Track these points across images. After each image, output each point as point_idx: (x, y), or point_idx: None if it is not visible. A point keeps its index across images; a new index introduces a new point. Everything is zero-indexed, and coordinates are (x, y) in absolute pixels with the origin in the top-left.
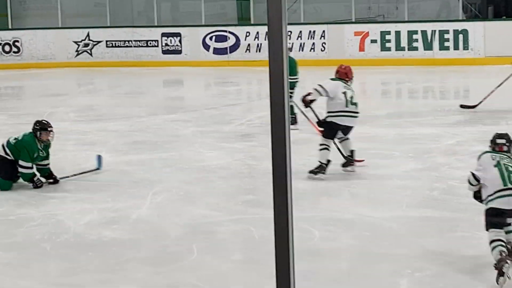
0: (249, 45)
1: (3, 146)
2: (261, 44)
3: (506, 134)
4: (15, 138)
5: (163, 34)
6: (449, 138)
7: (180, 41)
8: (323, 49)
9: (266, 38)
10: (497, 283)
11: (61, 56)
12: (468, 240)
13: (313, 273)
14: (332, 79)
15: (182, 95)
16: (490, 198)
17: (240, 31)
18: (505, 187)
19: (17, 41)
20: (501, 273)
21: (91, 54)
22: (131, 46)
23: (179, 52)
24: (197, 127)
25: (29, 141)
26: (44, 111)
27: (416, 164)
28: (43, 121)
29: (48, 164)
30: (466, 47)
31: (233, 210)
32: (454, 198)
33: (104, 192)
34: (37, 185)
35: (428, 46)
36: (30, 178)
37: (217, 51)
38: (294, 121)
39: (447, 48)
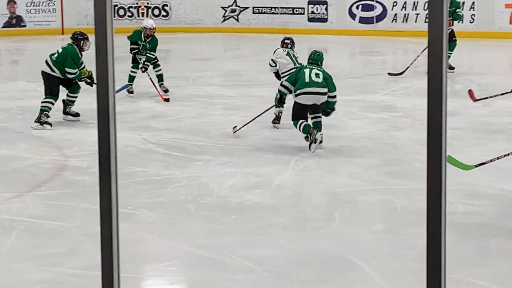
0: (395, 14)
1: (46, 62)
2: (407, 14)
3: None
4: (56, 52)
5: (310, 2)
6: None
7: (326, 9)
8: (472, 20)
9: (414, 8)
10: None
11: (208, 21)
12: None
13: (457, 248)
14: None
15: (326, 64)
16: None
17: (387, 0)
18: None
19: (166, 5)
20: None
21: (237, 20)
22: (277, 13)
23: (325, 20)
24: (341, 96)
25: (72, 50)
26: (190, 75)
27: None
28: (83, 32)
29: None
30: None
31: (375, 180)
32: None
33: (247, 156)
34: (92, 83)
35: None
36: (82, 77)
37: (363, 20)
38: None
39: None
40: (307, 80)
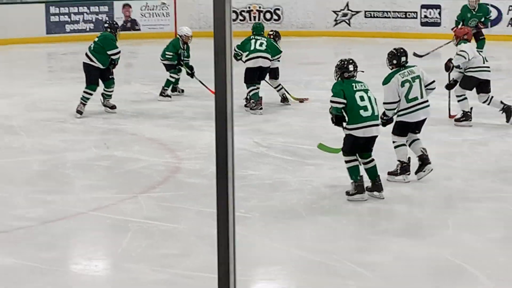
0: (511, 19)
1: (86, 53)
2: None
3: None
4: (93, 42)
5: (423, 6)
6: None
7: (439, 13)
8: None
9: None
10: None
11: (320, 25)
12: None
13: None
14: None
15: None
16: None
17: (503, 5)
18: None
19: (278, 9)
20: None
21: (349, 24)
22: (389, 17)
23: (438, 24)
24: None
25: (109, 35)
26: (302, 79)
27: None
28: (116, 21)
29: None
30: None
31: (490, 187)
32: None
33: None
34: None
35: None
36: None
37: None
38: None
39: None
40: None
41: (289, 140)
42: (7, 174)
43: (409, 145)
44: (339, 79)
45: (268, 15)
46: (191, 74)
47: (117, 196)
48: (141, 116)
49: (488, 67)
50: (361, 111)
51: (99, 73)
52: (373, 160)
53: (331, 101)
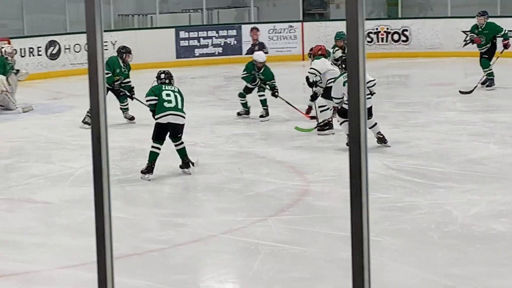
0: None
1: None
2: None
3: None
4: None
5: None
6: None
7: None
8: None
9: None
10: None
11: (449, 46)
12: None
13: None
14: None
15: None
16: None
17: None
18: None
19: (406, 30)
20: None
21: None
22: None
23: None
24: None
25: (114, 59)
26: (431, 100)
27: None
28: (127, 46)
29: (130, 82)
30: None
31: None
32: None
33: (491, 184)
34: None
35: None
36: (113, 81)
37: None
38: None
39: None
40: None
41: (419, 162)
42: (139, 197)
43: (370, 128)
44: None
45: (396, 36)
46: (274, 95)
47: (248, 219)
48: (270, 139)
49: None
50: (165, 103)
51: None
52: (182, 143)
53: (147, 100)
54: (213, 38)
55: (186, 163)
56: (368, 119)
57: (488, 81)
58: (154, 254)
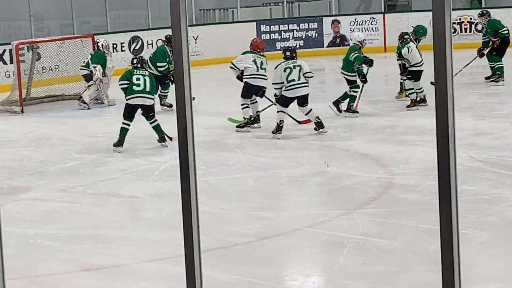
0: None
1: (147, 62)
2: None
3: None
4: (152, 54)
5: None
6: None
7: None
8: None
9: None
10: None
11: None
12: None
13: None
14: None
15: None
16: None
17: None
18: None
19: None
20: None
21: None
22: None
23: None
24: None
25: (161, 48)
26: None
27: None
28: None
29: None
30: None
31: None
32: None
33: None
34: (172, 80)
35: None
36: (170, 70)
37: None
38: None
39: None
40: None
41: (505, 154)
42: (223, 191)
43: (306, 114)
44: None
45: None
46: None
47: (332, 212)
48: (352, 131)
49: (261, 74)
50: (134, 87)
51: (157, 79)
52: (156, 120)
53: (119, 84)
54: (294, 31)
55: (162, 138)
56: (303, 106)
57: (495, 76)
58: (240, 247)
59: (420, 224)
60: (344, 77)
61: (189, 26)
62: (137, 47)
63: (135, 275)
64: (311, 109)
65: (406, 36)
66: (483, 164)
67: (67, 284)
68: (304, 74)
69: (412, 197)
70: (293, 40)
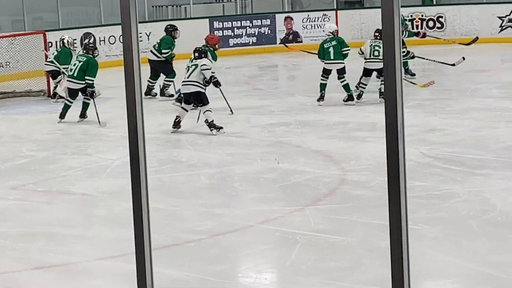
0: None
1: (151, 51)
2: None
3: None
4: (156, 42)
5: None
6: None
7: None
8: None
9: None
10: None
11: (485, 32)
12: None
13: None
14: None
15: None
16: None
17: None
18: None
19: (441, 17)
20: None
21: None
22: None
23: None
24: None
25: (168, 38)
26: (467, 87)
27: None
28: (173, 24)
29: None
30: None
31: None
32: None
33: None
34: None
35: None
36: (173, 56)
37: None
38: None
39: None
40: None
41: (456, 150)
42: (176, 188)
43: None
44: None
45: (431, 23)
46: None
47: (285, 208)
48: (305, 127)
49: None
50: (69, 71)
51: (162, 66)
52: (88, 99)
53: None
54: (247, 28)
55: (82, 114)
56: (201, 105)
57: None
58: (192, 244)
59: (372, 220)
60: (343, 66)
61: (142, 22)
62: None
63: (87, 273)
64: (207, 110)
65: (376, 34)
66: (434, 160)
67: (18, 283)
68: (201, 71)
69: (364, 193)
70: (246, 36)
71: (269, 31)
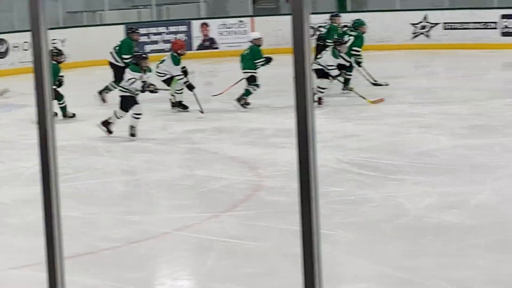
0: None
1: (111, 53)
2: None
3: None
4: (117, 45)
5: (503, 16)
6: None
7: None
8: None
9: None
10: None
11: (398, 39)
12: None
13: None
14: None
15: None
16: None
17: None
18: None
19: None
20: None
21: (428, 36)
22: (469, 28)
23: None
24: None
25: (128, 41)
26: (382, 93)
27: None
28: (133, 27)
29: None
30: None
31: None
32: None
33: (442, 176)
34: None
35: None
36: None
37: None
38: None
39: None
40: None
41: (371, 155)
42: (92, 196)
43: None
44: None
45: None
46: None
47: (201, 215)
48: (221, 134)
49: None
50: None
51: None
52: None
53: None
54: (163, 34)
55: None
56: (126, 111)
57: None
58: (108, 252)
59: (288, 226)
60: (252, 75)
61: (56, 28)
62: (2, 50)
63: (0, 283)
64: (120, 116)
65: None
66: (349, 165)
67: None
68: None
69: (280, 199)
70: (162, 43)
71: (186, 37)
